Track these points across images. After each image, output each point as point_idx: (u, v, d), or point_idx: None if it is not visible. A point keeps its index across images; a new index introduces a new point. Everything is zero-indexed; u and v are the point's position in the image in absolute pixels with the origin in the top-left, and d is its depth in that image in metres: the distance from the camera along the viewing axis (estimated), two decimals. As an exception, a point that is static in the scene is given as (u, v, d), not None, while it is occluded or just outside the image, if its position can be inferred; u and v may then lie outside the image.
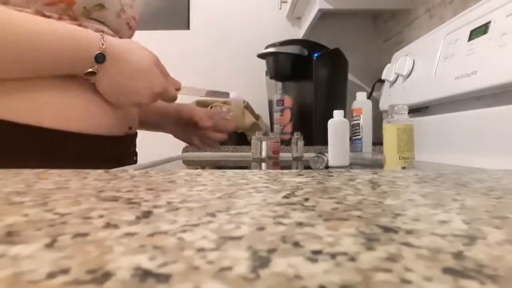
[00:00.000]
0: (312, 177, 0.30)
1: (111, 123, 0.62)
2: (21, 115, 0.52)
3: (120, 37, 0.68)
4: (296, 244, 0.13)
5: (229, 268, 0.10)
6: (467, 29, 0.79)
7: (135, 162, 0.76)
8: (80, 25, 0.57)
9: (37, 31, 0.50)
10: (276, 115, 1.33)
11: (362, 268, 0.10)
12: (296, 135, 0.96)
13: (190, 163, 1.05)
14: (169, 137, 0.90)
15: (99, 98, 0.59)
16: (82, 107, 0.57)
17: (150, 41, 1.66)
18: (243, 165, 0.97)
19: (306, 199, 0.20)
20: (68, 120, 0.55)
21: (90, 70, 0.54)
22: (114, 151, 0.64)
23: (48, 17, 0.54)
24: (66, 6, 0.55)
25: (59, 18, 0.55)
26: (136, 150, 0.78)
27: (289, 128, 1.31)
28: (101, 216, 0.16)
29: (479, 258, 0.11)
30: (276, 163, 0.90)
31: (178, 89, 0.68)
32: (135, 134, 0.75)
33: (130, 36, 0.73)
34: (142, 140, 1.56)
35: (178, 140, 0.92)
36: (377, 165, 0.75)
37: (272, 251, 0.12)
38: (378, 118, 1.51)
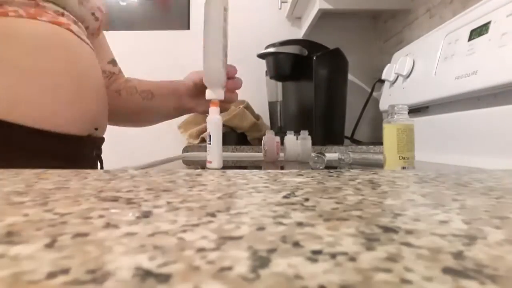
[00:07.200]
0: (312, 177, 0.30)
1: (68, 121, 0.57)
2: None
3: (87, 27, 0.66)
4: (296, 244, 0.13)
5: (229, 268, 0.10)
6: (467, 29, 0.79)
7: (98, 167, 0.71)
8: (37, 5, 0.54)
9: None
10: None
11: (362, 268, 0.10)
12: (303, 134, 0.86)
13: (190, 163, 1.05)
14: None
15: (56, 92, 0.55)
16: (34, 99, 0.53)
17: (150, 41, 1.67)
18: (243, 165, 0.96)
19: (306, 199, 0.20)
20: (17, 112, 0.51)
21: None
22: (70, 151, 0.59)
23: None
24: None
25: None
26: (102, 156, 0.71)
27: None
28: (101, 216, 0.16)
29: (479, 258, 0.11)
30: (276, 163, 0.90)
31: None
32: (102, 138, 0.70)
33: (97, 28, 0.71)
34: (142, 140, 1.56)
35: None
36: (377, 165, 0.75)
37: (272, 251, 0.12)
38: (378, 118, 1.51)
